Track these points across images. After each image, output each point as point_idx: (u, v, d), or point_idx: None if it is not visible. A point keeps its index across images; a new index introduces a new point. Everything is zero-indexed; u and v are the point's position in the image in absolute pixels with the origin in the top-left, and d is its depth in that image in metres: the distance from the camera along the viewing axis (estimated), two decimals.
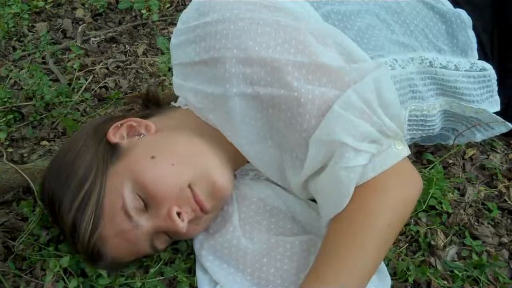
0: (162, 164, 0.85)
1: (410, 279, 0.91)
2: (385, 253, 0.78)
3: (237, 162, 0.97)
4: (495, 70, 1.07)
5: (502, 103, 1.10)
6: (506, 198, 1.07)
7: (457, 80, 1.03)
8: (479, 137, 1.12)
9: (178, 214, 0.85)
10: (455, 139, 1.14)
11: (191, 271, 0.93)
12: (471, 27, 1.07)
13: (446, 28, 1.05)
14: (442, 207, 1.03)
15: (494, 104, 1.09)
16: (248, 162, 0.95)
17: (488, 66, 1.06)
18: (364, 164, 0.77)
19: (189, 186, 0.85)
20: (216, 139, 0.90)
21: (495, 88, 1.08)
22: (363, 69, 0.80)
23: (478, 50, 1.07)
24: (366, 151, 0.77)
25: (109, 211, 0.83)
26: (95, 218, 0.82)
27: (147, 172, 0.84)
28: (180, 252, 0.96)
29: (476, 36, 1.07)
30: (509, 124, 1.06)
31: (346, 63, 0.82)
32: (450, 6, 1.08)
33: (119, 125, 0.92)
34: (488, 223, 1.02)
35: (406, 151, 0.81)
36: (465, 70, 1.04)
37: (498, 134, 1.10)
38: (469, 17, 1.07)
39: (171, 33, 1.70)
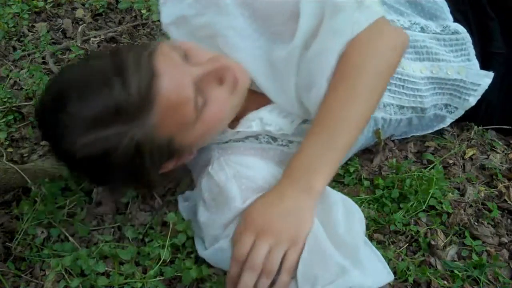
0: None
1: (410, 279, 0.91)
2: (377, 99, 0.86)
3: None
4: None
5: (498, 90, 1.10)
6: (506, 198, 1.07)
7: (425, 41, 1.04)
8: (472, 100, 1.10)
9: None
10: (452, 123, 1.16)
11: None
12: None
13: None
14: (442, 207, 1.03)
15: (472, 67, 1.09)
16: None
17: (461, 29, 1.07)
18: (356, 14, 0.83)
19: None
20: None
21: (472, 51, 1.09)
22: None
23: (453, 13, 1.09)
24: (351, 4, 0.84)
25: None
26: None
27: None
28: (180, 252, 0.96)
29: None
30: (490, 72, 1.07)
31: None
32: None
33: None
34: (488, 223, 1.02)
35: (383, 11, 0.87)
36: (433, 33, 1.06)
37: (486, 88, 1.09)
38: None
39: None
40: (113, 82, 0.73)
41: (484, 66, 1.10)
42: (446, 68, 1.06)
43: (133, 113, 0.74)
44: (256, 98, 0.95)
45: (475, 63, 1.09)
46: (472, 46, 1.09)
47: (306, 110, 0.92)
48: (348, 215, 0.82)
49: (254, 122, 0.95)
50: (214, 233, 0.90)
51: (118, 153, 0.75)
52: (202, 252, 0.93)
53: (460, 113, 1.14)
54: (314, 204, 0.81)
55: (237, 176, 0.91)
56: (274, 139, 0.97)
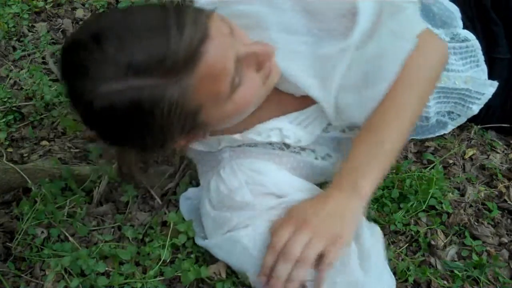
0: None
1: (410, 279, 0.91)
2: (423, 108, 0.89)
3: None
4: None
5: (500, 95, 1.10)
6: (506, 198, 1.07)
7: None
8: (475, 108, 1.12)
9: None
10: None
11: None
12: None
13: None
14: (442, 207, 1.03)
15: (480, 73, 1.10)
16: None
17: (471, 36, 1.07)
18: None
19: None
20: None
21: (481, 57, 1.09)
22: None
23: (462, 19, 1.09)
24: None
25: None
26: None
27: None
28: (180, 252, 0.96)
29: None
30: (494, 82, 1.08)
31: None
32: None
33: None
34: (488, 223, 1.02)
35: None
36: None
37: (489, 97, 1.10)
38: None
39: None
40: (169, 31, 0.66)
41: (488, 70, 1.10)
42: (455, 78, 1.06)
43: (176, 68, 0.67)
44: (279, 99, 0.93)
45: (484, 68, 1.10)
46: (481, 52, 1.09)
47: (338, 111, 0.89)
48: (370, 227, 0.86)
49: (273, 132, 0.93)
50: (221, 229, 0.90)
51: (145, 108, 0.68)
52: (202, 242, 0.94)
53: (462, 120, 1.15)
54: (361, 207, 0.81)
55: (249, 182, 0.90)
56: (287, 145, 0.96)
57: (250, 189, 0.89)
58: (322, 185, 0.98)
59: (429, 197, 1.02)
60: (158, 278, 0.92)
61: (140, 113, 0.69)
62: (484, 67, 1.10)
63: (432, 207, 1.03)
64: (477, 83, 1.08)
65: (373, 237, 0.84)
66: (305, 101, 0.93)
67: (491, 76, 1.12)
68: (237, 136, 0.92)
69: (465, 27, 1.11)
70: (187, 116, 0.73)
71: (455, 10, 1.09)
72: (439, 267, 0.94)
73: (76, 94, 0.70)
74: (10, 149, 1.26)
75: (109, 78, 0.66)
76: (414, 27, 0.85)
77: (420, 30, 0.85)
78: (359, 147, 0.84)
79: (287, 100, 0.94)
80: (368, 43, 0.84)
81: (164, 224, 1.03)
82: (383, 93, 0.83)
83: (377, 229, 0.87)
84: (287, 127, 0.93)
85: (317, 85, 0.87)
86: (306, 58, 0.88)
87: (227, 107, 0.78)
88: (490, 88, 1.08)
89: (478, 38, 1.10)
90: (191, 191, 1.06)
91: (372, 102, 0.84)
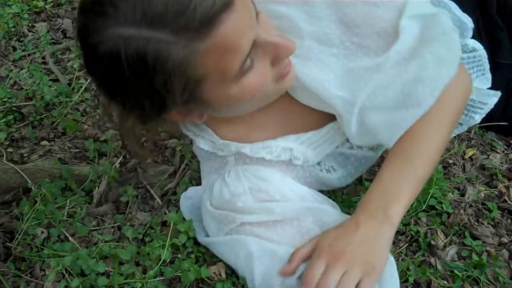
0: None
1: (411, 279, 0.91)
2: (452, 132, 0.90)
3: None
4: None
5: (500, 100, 1.10)
6: (506, 198, 1.07)
7: None
8: (478, 118, 1.11)
9: None
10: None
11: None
12: (458, 8, 1.07)
13: None
14: (442, 207, 1.03)
15: (485, 82, 1.10)
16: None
17: (479, 46, 1.07)
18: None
19: None
20: None
21: (487, 66, 1.09)
22: None
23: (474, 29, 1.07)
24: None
25: None
26: None
27: None
28: (180, 252, 0.96)
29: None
30: (498, 92, 1.07)
31: None
32: None
33: None
34: (488, 223, 1.02)
35: None
36: None
37: (492, 107, 1.09)
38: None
39: None
40: None
41: (491, 73, 1.10)
42: None
43: (190, 28, 0.65)
44: (295, 113, 0.92)
45: (489, 76, 1.10)
46: (487, 62, 1.08)
47: (362, 129, 0.86)
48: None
49: (284, 151, 0.92)
50: (225, 227, 0.90)
51: (149, 61, 0.65)
52: (204, 238, 0.94)
53: (464, 128, 1.15)
54: (391, 234, 0.79)
55: (254, 189, 0.90)
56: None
57: (253, 195, 0.89)
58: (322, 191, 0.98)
59: (429, 197, 1.02)
60: (158, 278, 0.92)
61: (142, 66, 0.66)
62: (488, 75, 1.10)
63: (432, 207, 1.03)
64: (481, 93, 1.08)
65: (390, 266, 0.81)
66: (322, 118, 0.92)
67: (493, 80, 1.11)
68: (247, 150, 0.91)
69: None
70: (188, 82, 0.70)
71: (468, 21, 1.07)
72: (439, 267, 0.94)
73: (85, 33, 0.68)
74: (10, 149, 1.26)
75: (122, 22, 0.64)
76: (456, 54, 0.83)
77: (459, 57, 0.84)
78: (391, 171, 0.83)
79: (304, 115, 0.92)
80: (408, 64, 0.81)
81: (164, 224, 1.03)
82: (418, 117, 0.81)
83: (391, 260, 0.83)
84: (298, 148, 0.92)
85: (341, 100, 0.84)
86: (335, 70, 0.84)
87: (232, 89, 0.74)
88: (493, 98, 1.08)
89: (482, 43, 1.10)
90: (192, 190, 1.06)
91: (403, 125, 0.82)
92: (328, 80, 0.84)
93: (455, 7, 1.06)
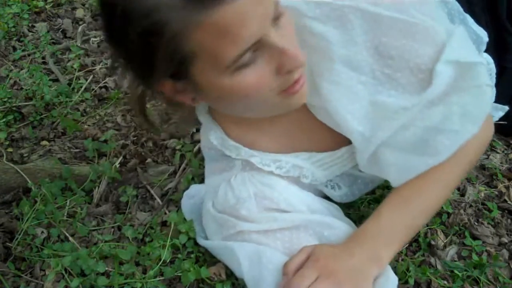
0: None
1: (411, 280, 0.91)
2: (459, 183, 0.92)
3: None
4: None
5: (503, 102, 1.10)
6: (506, 198, 1.07)
7: None
8: None
9: None
10: None
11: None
12: (474, 22, 1.05)
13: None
14: (442, 207, 1.03)
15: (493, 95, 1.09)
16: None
17: (490, 60, 1.06)
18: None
19: None
20: None
21: (494, 81, 1.08)
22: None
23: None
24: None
25: None
26: None
27: None
28: (180, 252, 0.96)
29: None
30: (505, 107, 1.06)
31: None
32: None
33: None
34: (488, 223, 1.02)
35: None
36: None
37: (497, 120, 1.09)
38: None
39: None
40: None
41: (496, 77, 1.09)
42: None
43: None
44: (309, 131, 0.91)
45: (494, 90, 1.10)
46: (495, 76, 1.07)
47: (373, 162, 0.85)
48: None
49: (293, 168, 0.92)
50: (223, 232, 0.90)
51: (150, 19, 0.64)
52: (203, 241, 0.94)
53: None
54: (377, 273, 0.81)
55: (258, 195, 0.89)
56: None
57: (258, 201, 0.88)
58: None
59: None
60: (158, 278, 0.92)
61: (144, 22, 0.64)
62: (494, 90, 1.10)
63: None
64: None
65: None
66: (339, 140, 0.91)
67: (498, 84, 1.11)
68: (256, 160, 0.90)
69: None
70: (179, 52, 0.67)
71: (484, 35, 1.04)
72: (439, 267, 0.94)
73: None
74: (10, 149, 1.26)
75: None
76: (485, 111, 0.82)
77: (487, 114, 0.83)
78: (391, 212, 0.84)
79: (320, 134, 0.91)
80: (434, 110, 0.79)
81: (164, 224, 1.03)
82: (430, 166, 0.81)
83: (392, 277, 0.84)
84: (308, 167, 0.92)
85: (361, 136, 0.83)
86: (361, 99, 0.81)
87: (224, 80, 0.71)
88: (499, 112, 1.07)
89: (490, 46, 1.09)
90: (194, 188, 1.05)
91: (414, 170, 0.83)
92: (352, 113, 0.82)
93: (471, 21, 1.05)
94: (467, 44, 0.85)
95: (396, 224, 0.84)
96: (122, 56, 0.74)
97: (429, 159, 0.81)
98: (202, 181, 1.06)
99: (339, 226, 0.89)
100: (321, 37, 0.81)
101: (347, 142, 0.89)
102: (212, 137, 0.93)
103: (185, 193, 1.05)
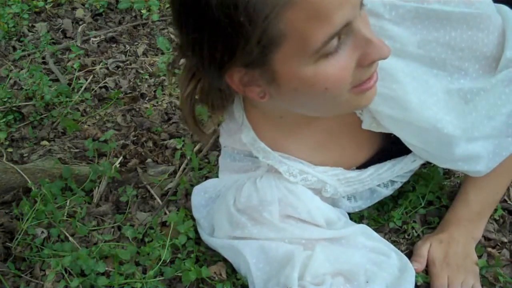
0: None
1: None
2: None
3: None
4: None
5: None
6: (506, 198, 1.07)
7: None
8: None
9: None
10: None
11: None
12: None
13: None
14: (441, 201, 1.03)
15: None
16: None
17: None
18: None
19: None
20: None
21: None
22: None
23: None
24: None
25: None
26: None
27: None
28: (180, 252, 0.96)
29: None
30: None
31: None
32: None
33: None
34: (489, 223, 1.02)
35: None
36: None
37: None
38: None
39: (171, 33, 1.71)
40: None
41: None
42: None
43: None
44: (348, 147, 0.92)
45: None
46: None
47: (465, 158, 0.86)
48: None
49: (317, 182, 0.91)
50: (234, 231, 0.90)
51: None
52: (209, 238, 0.94)
53: None
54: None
55: (283, 201, 0.89)
56: None
57: (281, 207, 0.88)
58: None
59: (428, 191, 1.03)
60: (158, 278, 0.92)
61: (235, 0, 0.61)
62: None
63: (431, 203, 1.04)
64: None
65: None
66: (368, 157, 0.93)
67: None
68: (284, 169, 0.89)
69: None
70: (266, 33, 0.64)
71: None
72: None
73: None
74: (10, 149, 1.26)
75: None
76: None
77: None
78: (477, 195, 0.97)
79: (352, 149, 0.93)
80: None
81: (164, 224, 1.03)
82: None
83: (410, 270, 0.88)
84: (332, 183, 0.92)
85: (450, 122, 0.82)
86: (437, 91, 0.82)
87: (305, 68, 0.67)
88: None
89: None
90: (210, 183, 1.03)
91: (504, 153, 0.86)
92: (436, 104, 0.82)
93: None
94: None
95: (483, 204, 0.97)
96: (196, 42, 0.68)
97: None
98: (202, 181, 1.06)
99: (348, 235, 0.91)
100: (397, 39, 0.80)
101: (377, 160, 0.93)
102: (244, 135, 0.90)
103: (196, 187, 1.03)
